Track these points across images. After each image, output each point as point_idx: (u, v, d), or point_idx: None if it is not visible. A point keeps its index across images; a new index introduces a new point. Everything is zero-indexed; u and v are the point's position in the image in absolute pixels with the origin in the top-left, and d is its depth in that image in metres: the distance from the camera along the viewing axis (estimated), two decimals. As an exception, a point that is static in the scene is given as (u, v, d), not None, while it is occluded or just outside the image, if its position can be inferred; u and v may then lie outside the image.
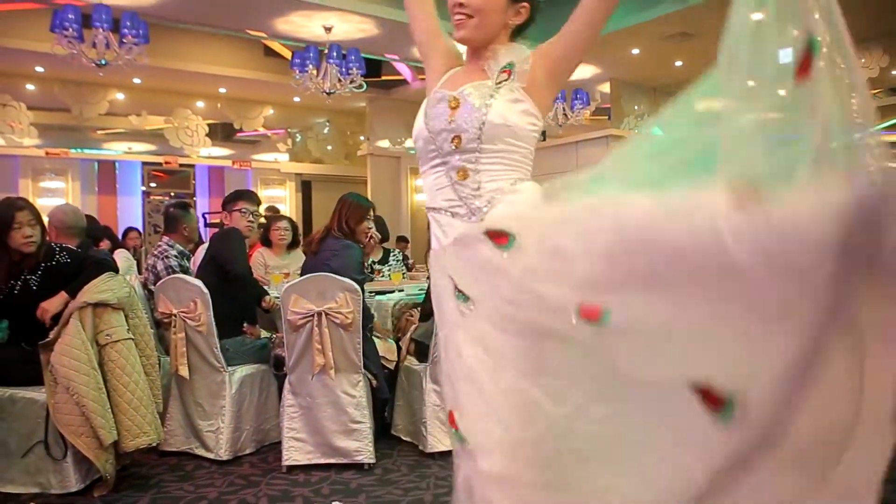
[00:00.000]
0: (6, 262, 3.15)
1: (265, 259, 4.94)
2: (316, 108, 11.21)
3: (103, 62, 6.16)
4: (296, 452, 3.40)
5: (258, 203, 4.11)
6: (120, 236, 7.67)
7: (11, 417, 3.07)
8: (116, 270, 3.26)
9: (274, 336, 3.90)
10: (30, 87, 9.61)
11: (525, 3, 1.69)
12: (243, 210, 3.93)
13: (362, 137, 11.62)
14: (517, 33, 1.74)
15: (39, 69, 9.07)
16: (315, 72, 7.64)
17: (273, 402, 3.75)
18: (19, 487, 3.04)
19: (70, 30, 5.93)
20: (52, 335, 2.98)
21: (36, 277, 3.14)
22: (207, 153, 10.73)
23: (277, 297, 3.55)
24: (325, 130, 12.14)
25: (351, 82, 7.70)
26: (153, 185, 10.45)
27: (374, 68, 8.65)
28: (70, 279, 3.11)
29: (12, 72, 9.08)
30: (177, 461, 3.54)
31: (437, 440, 3.54)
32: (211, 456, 3.51)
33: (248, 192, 4.15)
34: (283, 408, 3.44)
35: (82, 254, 3.41)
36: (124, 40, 6.08)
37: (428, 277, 4.35)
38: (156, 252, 4.07)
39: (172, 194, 10.37)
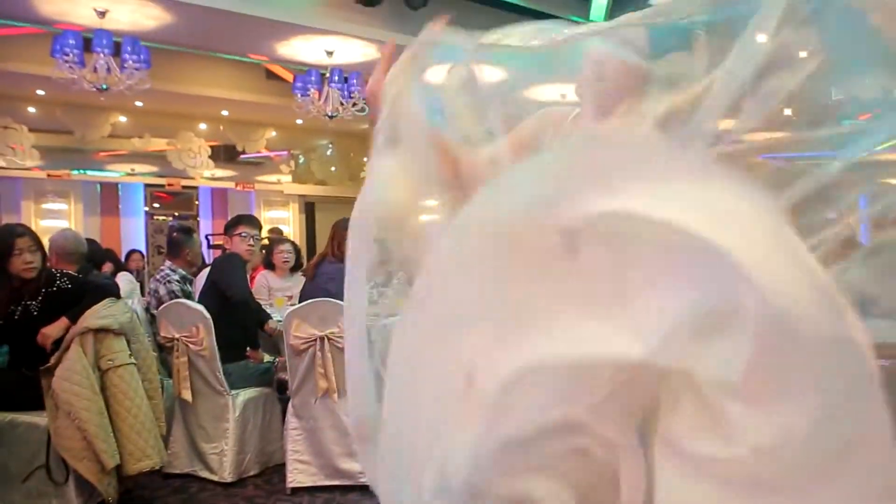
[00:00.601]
0: (7, 287, 3.18)
1: (269, 282, 4.98)
2: (319, 129, 11.28)
3: (104, 87, 6.23)
4: (300, 474, 3.43)
5: (259, 227, 4.16)
6: (123, 258, 7.72)
7: (12, 442, 3.09)
8: (118, 295, 3.29)
9: (276, 360, 3.93)
10: (31, 109, 9.70)
11: None
12: (243, 234, 3.98)
13: (365, 159, 11.67)
14: None
15: (40, 92, 9.16)
16: (317, 95, 7.72)
17: (277, 424, 3.77)
18: (19, 512, 3.06)
19: (70, 55, 6.01)
20: (52, 360, 3.00)
21: (36, 303, 3.17)
22: (210, 175, 10.80)
23: (280, 321, 3.59)
24: (329, 152, 12.22)
25: (353, 105, 7.77)
26: (156, 206, 10.51)
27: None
28: (71, 305, 3.14)
29: (13, 94, 9.16)
30: (180, 483, 3.56)
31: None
32: (215, 478, 3.54)
33: (248, 217, 4.21)
34: (287, 430, 3.47)
35: (83, 279, 3.44)
36: (125, 65, 6.16)
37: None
38: (158, 276, 4.11)
39: (176, 215, 10.43)
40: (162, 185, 10.41)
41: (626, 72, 1.36)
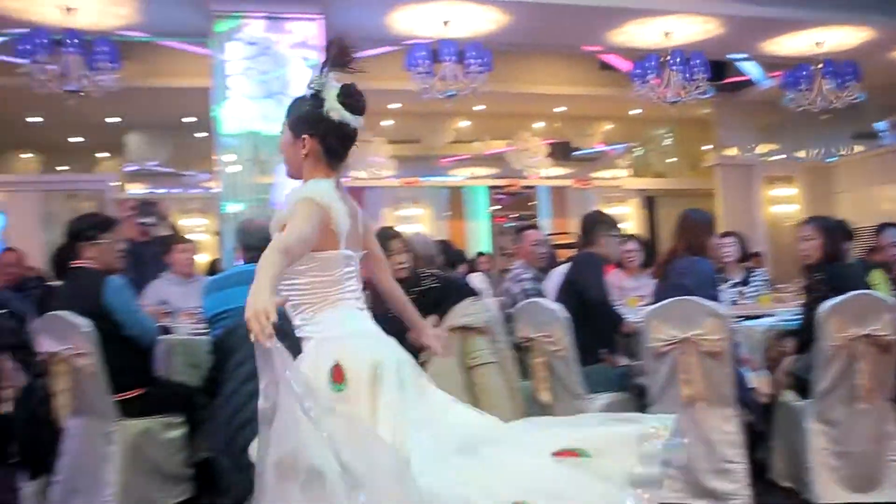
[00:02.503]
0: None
1: (620, 281, 4.91)
2: (656, 119, 10.98)
3: (451, 93, 6.73)
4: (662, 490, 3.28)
5: (616, 225, 4.08)
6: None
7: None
8: (479, 295, 3.47)
9: (633, 364, 3.82)
10: (386, 122, 10.91)
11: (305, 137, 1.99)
12: (603, 233, 3.94)
13: (708, 147, 11.08)
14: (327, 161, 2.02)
15: (394, 105, 10.27)
16: (656, 81, 7.48)
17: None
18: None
19: (421, 66, 6.60)
20: (422, 358, 3.24)
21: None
22: (547, 174, 11.12)
23: (641, 322, 3.48)
24: (667, 142, 11.82)
25: (696, 88, 7.40)
26: (496, 207, 11.13)
27: (716, 71, 8.24)
28: (437, 303, 3.38)
29: (372, 110, 10.38)
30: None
31: (825, 489, 3.21)
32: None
33: (604, 215, 4.16)
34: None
35: (448, 278, 3.69)
36: (469, 70, 6.58)
37: (801, 300, 3.95)
38: (510, 276, 4.26)
39: (516, 216, 10.94)
40: (502, 187, 10.98)
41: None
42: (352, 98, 2.01)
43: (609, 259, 3.97)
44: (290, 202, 1.91)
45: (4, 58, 7.62)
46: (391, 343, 1.98)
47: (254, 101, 6.12)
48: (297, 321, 1.97)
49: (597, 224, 4.01)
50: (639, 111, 10.20)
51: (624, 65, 8.47)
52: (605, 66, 9.32)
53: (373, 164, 10.50)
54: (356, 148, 2.12)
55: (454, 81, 6.65)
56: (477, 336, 3.20)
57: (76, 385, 3.18)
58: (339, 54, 2.02)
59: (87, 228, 3.34)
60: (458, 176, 11.38)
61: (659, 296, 3.63)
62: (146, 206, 6.14)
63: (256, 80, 6.11)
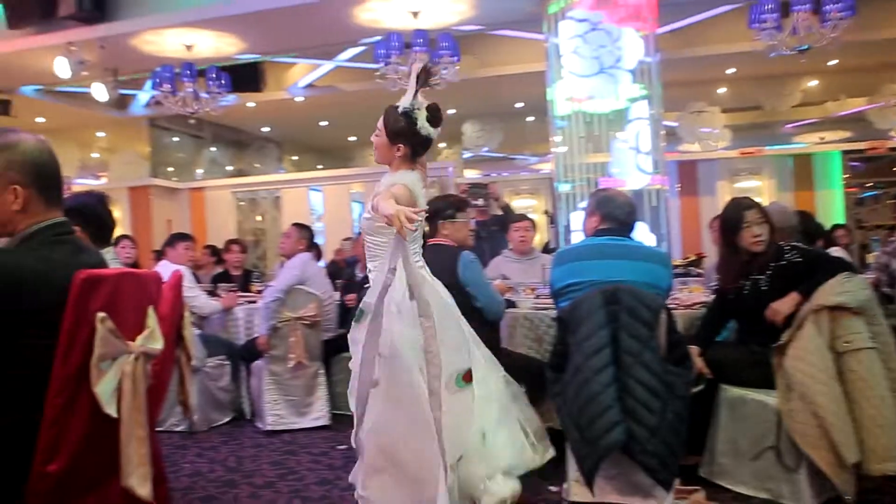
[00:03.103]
0: (736, 261, 3.30)
1: None
2: None
3: (804, 47, 6.06)
4: None
5: None
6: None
7: (741, 418, 3.18)
8: (855, 270, 3.06)
9: None
10: (722, 90, 10.23)
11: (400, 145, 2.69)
12: None
13: None
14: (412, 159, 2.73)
15: (730, 70, 9.58)
16: None
17: None
18: (749, 489, 3.12)
19: (769, 20, 6.01)
20: (784, 338, 2.96)
21: (765, 277, 3.19)
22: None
23: None
24: None
25: None
26: (847, 175, 9.87)
27: None
28: (801, 279, 3.05)
29: (705, 78, 9.81)
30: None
31: None
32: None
33: None
34: None
35: (815, 252, 3.33)
36: (827, 17, 5.83)
37: None
38: (889, 248, 3.71)
39: (873, 184, 9.61)
40: (860, 151, 9.69)
41: None
42: (435, 116, 2.69)
43: None
44: (390, 183, 2.64)
45: (362, 65, 8.60)
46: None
47: (585, 79, 6.11)
48: (370, 266, 2.77)
49: None
50: None
51: None
52: None
53: (706, 135, 9.95)
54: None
55: (808, 34, 5.95)
56: (851, 317, 2.81)
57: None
58: (426, 77, 2.67)
59: (446, 208, 3.62)
60: (805, 142, 10.30)
61: None
62: (476, 189, 6.50)
63: (588, 57, 6.08)
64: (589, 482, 2.78)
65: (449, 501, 2.31)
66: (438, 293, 2.65)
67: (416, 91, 2.65)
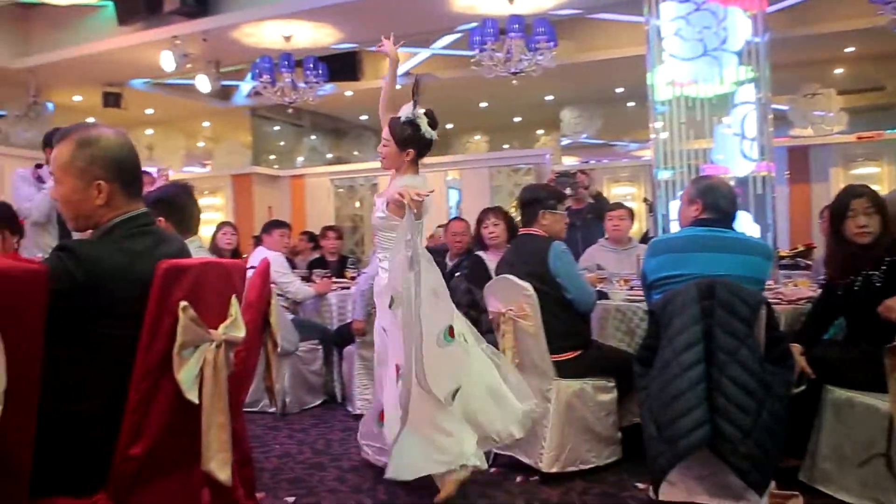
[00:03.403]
0: (842, 253, 3.10)
1: None
2: None
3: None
4: None
5: None
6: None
7: (849, 422, 2.98)
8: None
9: None
10: (838, 70, 9.64)
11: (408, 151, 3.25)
12: None
13: None
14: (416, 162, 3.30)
15: (849, 49, 9.02)
16: None
17: None
18: (853, 498, 2.92)
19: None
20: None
21: (879, 273, 2.98)
22: None
23: None
24: None
25: None
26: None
27: None
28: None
29: (820, 58, 9.27)
30: None
31: None
32: None
33: None
34: None
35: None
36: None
37: None
38: None
39: None
40: None
41: None
42: (433, 120, 3.21)
43: None
44: (400, 186, 3.06)
45: (459, 52, 8.60)
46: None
47: (688, 63, 5.88)
48: (380, 256, 3.29)
49: None
50: None
51: None
52: None
53: (820, 119, 9.43)
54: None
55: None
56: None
57: (519, 343, 3.40)
58: (417, 91, 3.20)
59: (548, 197, 3.60)
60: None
61: None
62: (564, 178, 6.38)
63: (691, 39, 5.85)
64: (656, 482, 2.70)
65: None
66: (435, 270, 2.95)
67: (415, 102, 3.18)
